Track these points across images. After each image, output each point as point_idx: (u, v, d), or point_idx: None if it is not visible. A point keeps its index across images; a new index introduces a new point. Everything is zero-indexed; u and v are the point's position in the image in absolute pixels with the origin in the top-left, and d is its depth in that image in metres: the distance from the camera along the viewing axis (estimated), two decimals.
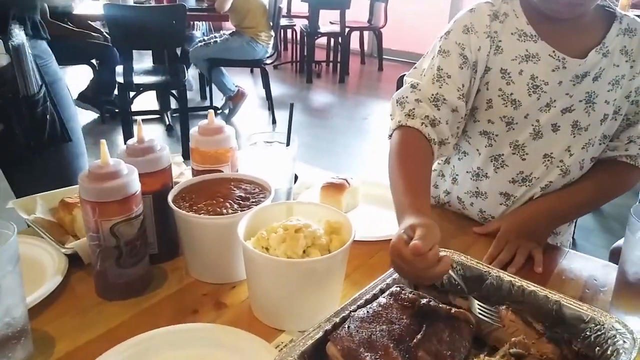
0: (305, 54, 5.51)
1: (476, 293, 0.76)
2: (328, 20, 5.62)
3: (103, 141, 0.73)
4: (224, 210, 0.80)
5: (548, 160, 0.98)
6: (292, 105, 0.96)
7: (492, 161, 1.01)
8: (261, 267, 0.70)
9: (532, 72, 0.93)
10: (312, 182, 1.14)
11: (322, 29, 5.39)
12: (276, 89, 4.89)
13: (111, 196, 0.70)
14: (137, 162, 0.78)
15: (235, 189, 0.86)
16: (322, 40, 5.67)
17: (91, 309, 0.75)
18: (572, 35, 0.93)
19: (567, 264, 0.91)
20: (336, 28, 5.34)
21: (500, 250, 0.91)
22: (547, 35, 0.93)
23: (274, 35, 4.04)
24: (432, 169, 1.12)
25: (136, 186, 0.74)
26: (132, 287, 0.77)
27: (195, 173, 0.94)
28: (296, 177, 1.14)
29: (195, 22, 4.75)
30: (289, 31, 6.26)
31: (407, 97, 0.95)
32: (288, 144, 0.96)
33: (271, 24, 3.98)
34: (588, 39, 0.93)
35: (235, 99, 4.08)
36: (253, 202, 0.83)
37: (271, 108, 4.14)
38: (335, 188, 1.04)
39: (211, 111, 0.95)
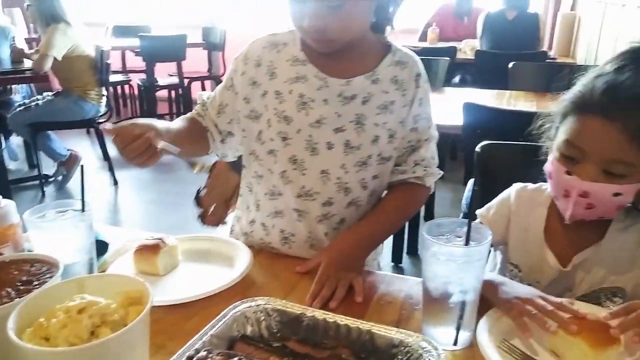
0: (146, 108, 5.31)
1: (295, 337, 0.74)
2: (167, 73, 5.50)
3: None
4: None
5: (325, 177, 1.04)
6: (82, 167, 0.88)
7: (281, 178, 1.06)
8: None
9: (300, 91, 1.02)
10: (132, 246, 1.05)
11: (161, 82, 5.24)
12: None
13: None
14: None
15: (17, 272, 0.75)
16: (163, 93, 5.52)
17: None
18: (343, 63, 1.02)
19: (386, 288, 0.93)
20: (175, 80, 5.24)
21: (322, 286, 0.90)
22: (316, 60, 1.03)
23: (105, 93, 3.82)
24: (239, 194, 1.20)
25: None
26: None
27: None
28: (106, 245, 1.04)
29: (14, 86, 4.32)
30: (127, 87, 6.00)
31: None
32: (83, 209, 0.87)
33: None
34: (359, 67, 1.03)
35: (68, 164, 3.74)
36: (36, 284, 0.72)
37: (111, 169, 3.88)
38: (149, 250, 0.96)
39: None
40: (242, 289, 0.91)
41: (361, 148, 1.03)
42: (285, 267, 1.00)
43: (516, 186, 1.05)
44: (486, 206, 1.06)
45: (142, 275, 0.96)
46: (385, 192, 1.13)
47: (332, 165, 1.03)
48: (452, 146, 3.90)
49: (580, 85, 0.88)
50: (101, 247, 1.04)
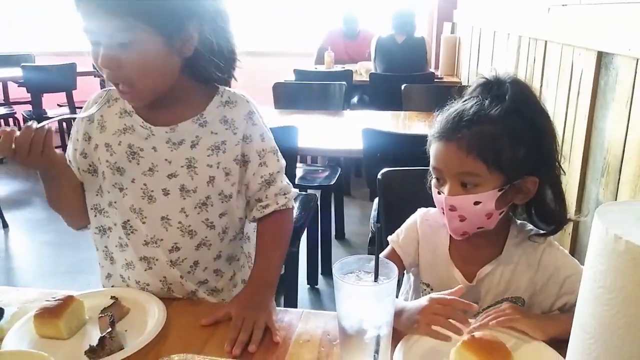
0: None
1: None
2: (56, 103, 5.16)
3: None
4: None
5: (166, 222, 1.06)
6: None
7: (124, 229, 1.07)
8: None
9: (129, 142, 1.05)
10: (31, 307, 0.98)
11: (50, 113, 4.90)
12: (7, 188, 4.28)
13: None
14: None
15: None
16: (56, 125, 5.17)
17: None
18: (167, 111, 1.05)
19: (304, 326, 0.95)
20: (66, 110, 4.91)
21: (239, 331, 0.90)
22: (142, 111, 1.06)
23: None
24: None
25: None
26: None
27: None
28: (1, 310, 0.96)
29: None
30: (11, 120, 5.54)
31: None
32: None
33: None
34: (185, 113, 1.05)
35: None
36: None
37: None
38: (50, 313, 0.90)
39: None
40: (156, 345, 0.88)
41: (197, 190, 1.06)
42: (201, 316, 0.98)
43: (420, 211, 1.13)
44: (396, 232, 1.12)
45: (45, 341, 0.90)
46: (255, 226, 1.16)
47: (172, 210, 1.05)
48: (356, 165, 4.04)
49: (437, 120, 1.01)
50: None
